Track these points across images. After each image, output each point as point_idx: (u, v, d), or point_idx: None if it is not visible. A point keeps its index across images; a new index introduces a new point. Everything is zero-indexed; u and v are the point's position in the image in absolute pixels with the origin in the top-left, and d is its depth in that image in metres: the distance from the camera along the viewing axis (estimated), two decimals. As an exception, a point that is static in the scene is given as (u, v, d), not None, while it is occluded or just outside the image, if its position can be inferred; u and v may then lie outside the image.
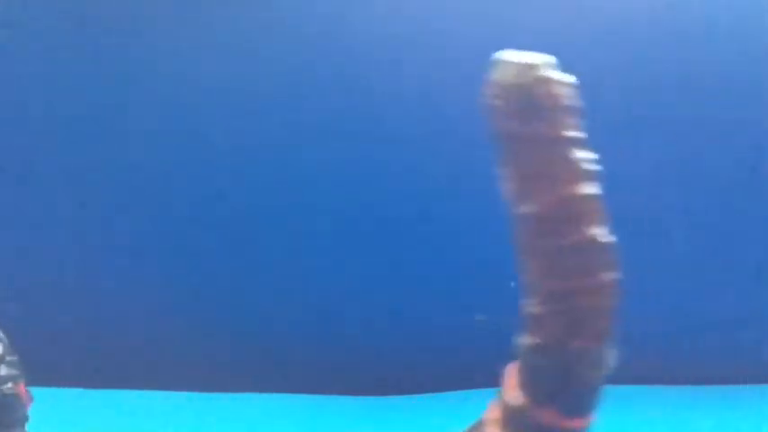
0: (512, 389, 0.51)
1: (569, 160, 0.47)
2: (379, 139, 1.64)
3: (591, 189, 0.48)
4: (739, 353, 1.66)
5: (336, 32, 1.62)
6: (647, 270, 1.67)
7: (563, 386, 0.48)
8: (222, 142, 1.68)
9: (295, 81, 1.65)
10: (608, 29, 1.63)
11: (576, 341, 0.48)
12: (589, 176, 0.48)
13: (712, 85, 1.64)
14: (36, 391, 0.83)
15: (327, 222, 1.67)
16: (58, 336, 1.62)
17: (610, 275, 0.48)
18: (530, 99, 0.47)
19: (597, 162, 0.49)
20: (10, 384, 0.79)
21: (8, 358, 0.80)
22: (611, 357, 0.49)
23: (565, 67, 0.48)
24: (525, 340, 0.49)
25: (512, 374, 0.51)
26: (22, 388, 0.80)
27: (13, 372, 0.80)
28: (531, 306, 0.49)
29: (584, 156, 0.48)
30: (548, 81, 0.47)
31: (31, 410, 0.82)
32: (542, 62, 0.47)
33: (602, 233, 0.48)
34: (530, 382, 0.49)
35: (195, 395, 1.60)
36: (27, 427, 0.82)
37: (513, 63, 0.47)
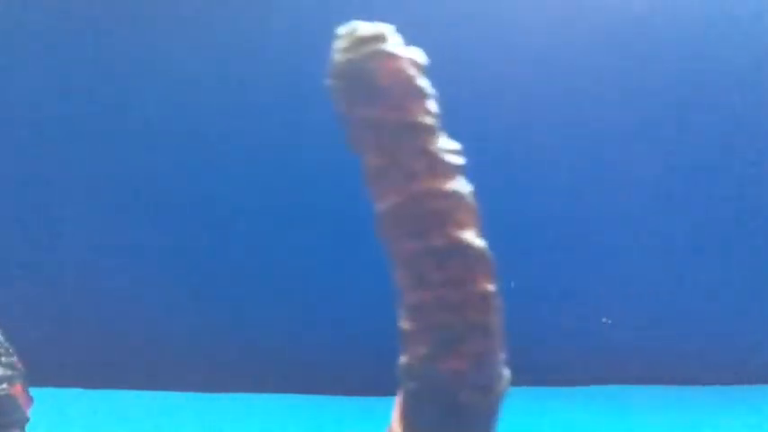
0: (395, 421, 0.43)
1: (424, 151, 0.40)
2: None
3: (455, 185, 0.40)
4: (739, 353, 1.66)
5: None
6: (647, 270, 1.67)
7: (440, 415, 0.40)
8: (224, 143, 1.67)
9: (295, 81, 1.65)
10: (607, 29, 1.63)
11: (446, 362, 0.39)
12: (451, 170, 0.40)
13: (712, 86, 1.65)
14: (36, 391, 0.83)
15: (328, 223, 1.67)
16: (59, 336, 1.62)
17: (482, 287, 0.40)
18: (364, 77, 0.40)
19: (461, 154, 0.41)
20: (4, 385, 0.77)
21: (3, 359, 0.78)
22: (499, 381, 0.41)
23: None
24: (400, 361, 0.41)
25: (398, 403, 0.42)
26: (18, 389, 0.79)
27: (8, 373, 0.78)
28: (402, 321, 0.41)
29: (444, 146, 0.40)
30: (384, 56, 0.39)
31: (31, 412, 0.82)
32: (378, 34, 0.40)
33: (470, 237, 0.40)
34: (407, 410, 0.42)
35: (195, 395, 1.60)
36: (27, 428, 0.81)
37: (344, 37, 0.41)
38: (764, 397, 1.57)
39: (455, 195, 0.40)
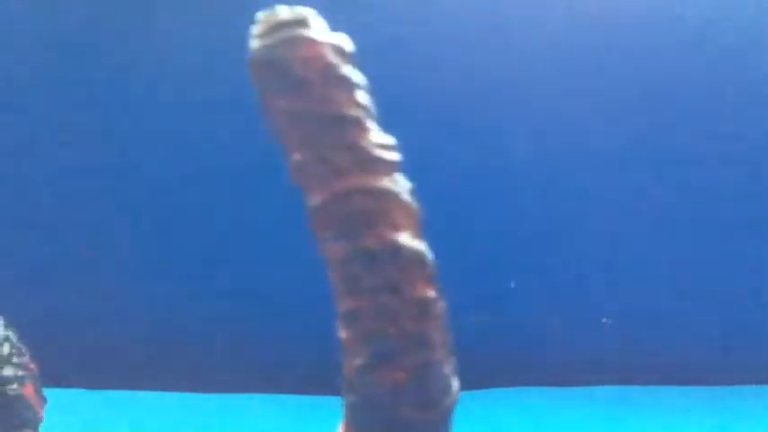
0: None
1: (351, 146, 0.37)
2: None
3: (387, 183, 0.37)
4: (738, 353, 1.66)
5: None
6: (648, 270, 1.67)
7: (381, 431, 0.37)
8: (224, 143, 1.67)
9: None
10: (608, 29, 1.63)
11: (382, 375, 0.37)
12: (383, 167, 0.37)
13: (713, 85, 1.65)
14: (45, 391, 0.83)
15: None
16: (59, 336, 1.62)
17: (420, 293, 0.37)
18: (279, 66, 0.37)
19: (397, 149, 0.38)
20: (15, 385, 0.77)
21: (15, 360, 0.78)
22: (446, 395, 0.38)
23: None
24: (341, 373, 0.39)
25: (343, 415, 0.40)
26: (29, 389, 0.79)
27: (20, 373, 0.78)
28: (338, 329, 0.39)
29: (376, 141, 0.38)
30: (302, 42, 0.36)
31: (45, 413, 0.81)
32: (297, 18, 0.37)
33: (405, 239, 0.37)
34: (348, 423, 0.39)
35: (195, 395, 1.60)
36: (40, 428, 0.80)
37: (261, 22, 0.38)
38: (764, 397, 1.57)
39: (388, 194, 0.37)
